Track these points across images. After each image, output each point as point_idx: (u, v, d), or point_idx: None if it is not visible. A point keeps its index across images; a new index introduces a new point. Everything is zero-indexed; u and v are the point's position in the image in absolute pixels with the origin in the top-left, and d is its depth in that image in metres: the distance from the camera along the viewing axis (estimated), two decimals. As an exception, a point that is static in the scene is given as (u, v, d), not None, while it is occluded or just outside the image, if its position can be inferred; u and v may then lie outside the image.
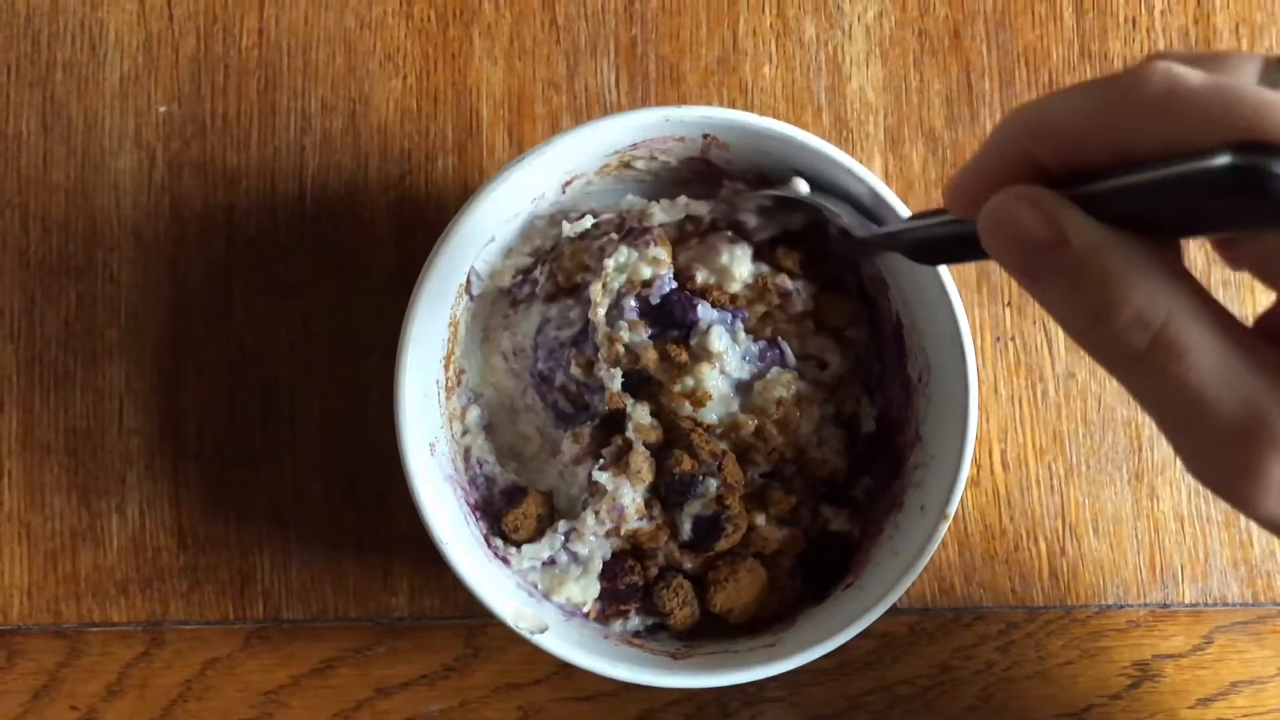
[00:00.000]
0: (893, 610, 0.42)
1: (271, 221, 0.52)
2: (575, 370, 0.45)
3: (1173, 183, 0.23)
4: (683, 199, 0.46)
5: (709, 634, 0.46)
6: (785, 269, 0.46)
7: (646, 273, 0.45)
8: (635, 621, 0.46)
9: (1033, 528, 0.52)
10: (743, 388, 0.45)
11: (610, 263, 0.45)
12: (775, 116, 0.44)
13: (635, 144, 0.45)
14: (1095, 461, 0.52)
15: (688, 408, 0.44)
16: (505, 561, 0.45)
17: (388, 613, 0.50)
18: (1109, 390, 0.52)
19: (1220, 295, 0.53)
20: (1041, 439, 0.52)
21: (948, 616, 0.51)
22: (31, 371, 0.51)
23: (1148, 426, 0.52)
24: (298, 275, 0.52)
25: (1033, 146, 0.26)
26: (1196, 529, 0.52)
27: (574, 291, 0.47)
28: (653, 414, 0.45)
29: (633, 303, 0.45)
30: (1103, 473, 0.52)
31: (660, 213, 0.45)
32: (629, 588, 0.45)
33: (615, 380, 0.44)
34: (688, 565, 0.46)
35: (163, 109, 0.52)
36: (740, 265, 0.45)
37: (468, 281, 0.46)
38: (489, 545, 0.45)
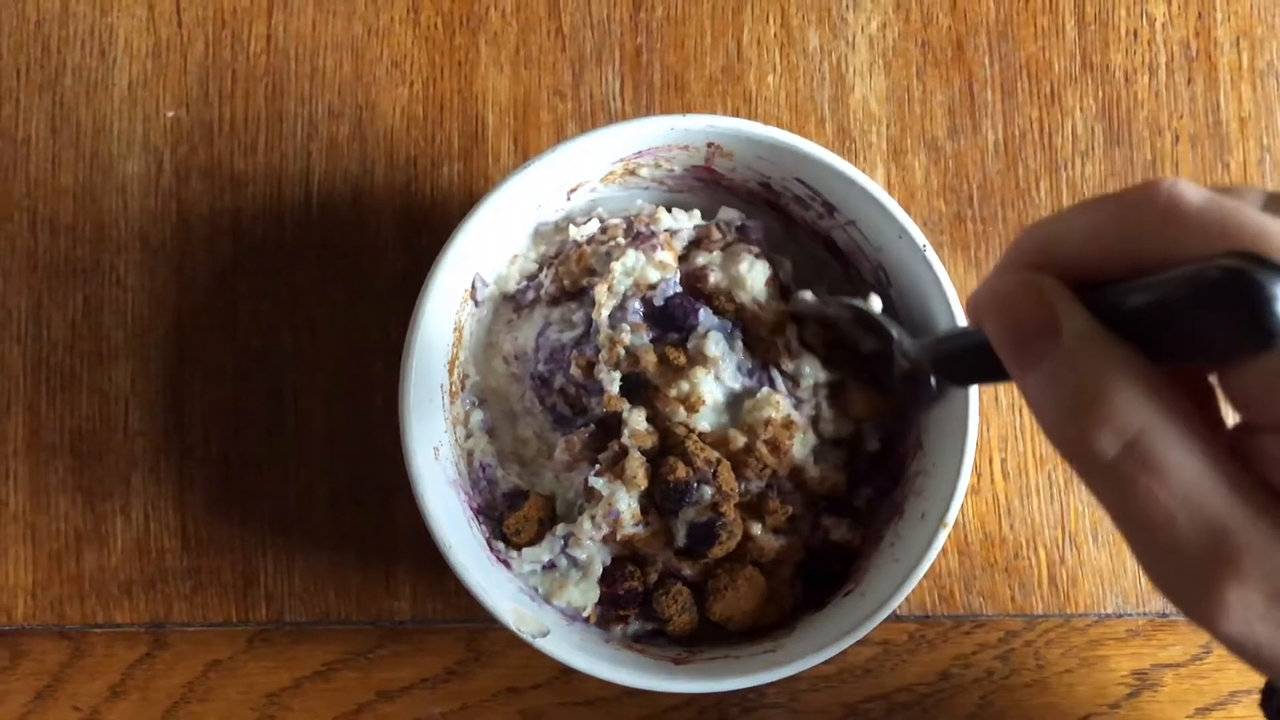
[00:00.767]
0: (893, 617, 0.43)
1: (278, 227, 0.52)
2: (575, 371, 0.46)
3: (1171, 289, 0.23)
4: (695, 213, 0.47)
5: (710, 639, 0.46)
6: (807, 344, 0.45)
7: (653, 276, 0.45)
8: (635, 626, 0.47)
9: (1032, 536, 0.52)
10: (734, 402, 0.45)
11: (618, 266, 0.45)
12: (779, 126, 0.44)
13: (640, 152, 0.45)
14: (1095, 471, 0.52)
15: (682, 413, 0.44)
16: (506, 565, 0.45)
17: (390, 616, 0.51)
18: (1109, 400, 0.52)
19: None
20: (1042, 448, 0.52)
21: (947, 624, 0.51)
22: (38, 373, 0.51)
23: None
24: (303, 280, 0.52)
25: (1044, 264, 0.27)
26: (1196, 539, 0.52)
27: (578, 295, 0.47)
28: (649, 420, 0.45)
29: (638, 305, 0.45)
30: (1102, 482, 0.52)
31: (668, 218, 0.46)
32: (628, 593, 0.45)
33: (614, 383, 0.44)
34: (687, 572, 0.46)
35: (171, 114, 0.53)
36: (755, 276, 0.45)
37: (473, 287, 0.47)
38: (491, 549, 0.45)
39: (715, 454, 0.44)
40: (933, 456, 0.45)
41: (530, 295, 0.48)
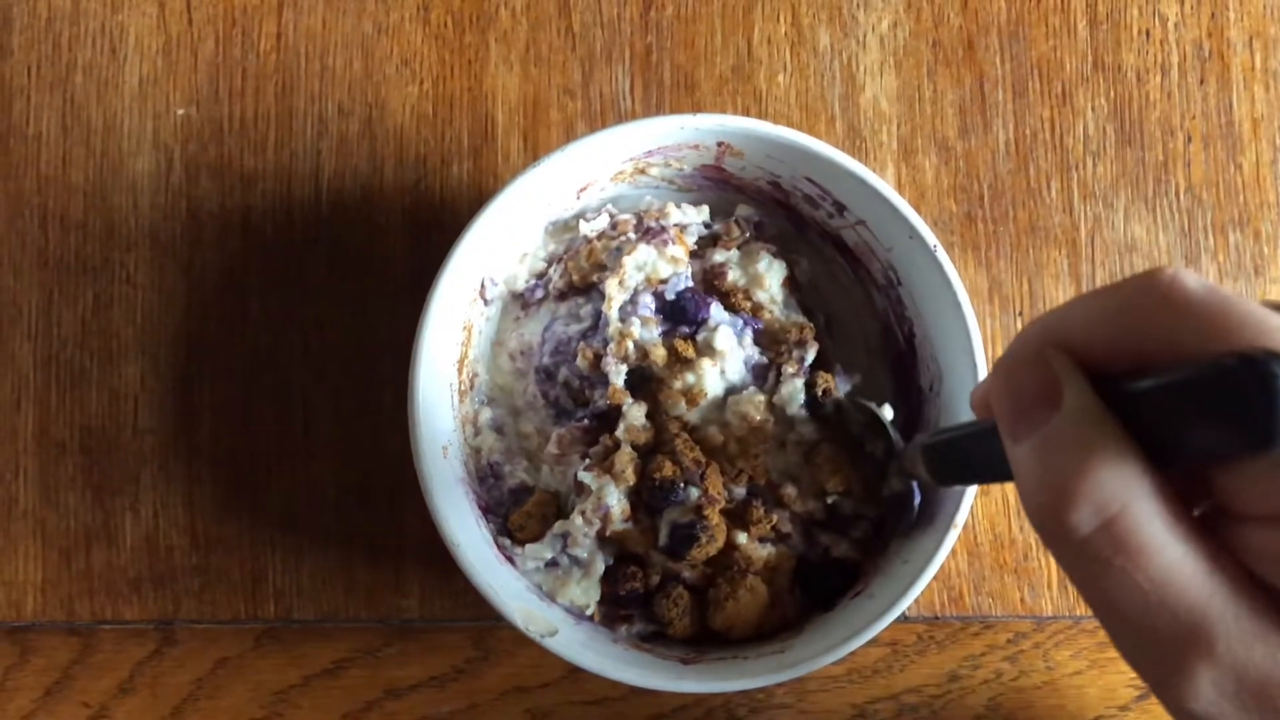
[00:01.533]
0: (902, 618, 0.42)
1: (287, 224, 0.52)
2: (581, 362, 0.45)
3: (1177, 381, 0.23)
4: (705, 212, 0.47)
5: (718, 639, 0.46)
6: (820, 388, 0.45)
7: (665, 271, 0.45)
8: (639, 627, 0.46)
9: (1042, 538, 0.52)
10: (727, 396, 0.45)
11: (630, 261, 0.45)
12: (789, 125, 0.44)
13: (650, 151, 0.45)
14: (1105, 472, 0.52)
15: (682, 406, 0.44)
16: (512, 562, 0.45)
17: (398, 614, 0.51)
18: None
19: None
20: (1052, 449, 0.52)
21: (956, 625, 0.51)
22: (48, 370, 0.52)
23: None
24: (313, 278, 0.52)
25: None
26: (1206, 541, 0.52)
27: (586, 290, 0.47)
28: (648, 416, 0.45)
29: (649, 299, 0.45)
30: (1113, 483, 0.52)
31: (678, 213, 0.46)
32: (629, 594, 0.45)
33: (620, 375, 0.44)
34: (687, 575, 0.45)
35: (181, 112, 0.53)
36: (773, 276, 0.45)
37: (482, 286, 0.47)
38: (497, 545, 0.45)
39: (704, 456, 0.44)
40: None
41: (539, 293, 0.48)
